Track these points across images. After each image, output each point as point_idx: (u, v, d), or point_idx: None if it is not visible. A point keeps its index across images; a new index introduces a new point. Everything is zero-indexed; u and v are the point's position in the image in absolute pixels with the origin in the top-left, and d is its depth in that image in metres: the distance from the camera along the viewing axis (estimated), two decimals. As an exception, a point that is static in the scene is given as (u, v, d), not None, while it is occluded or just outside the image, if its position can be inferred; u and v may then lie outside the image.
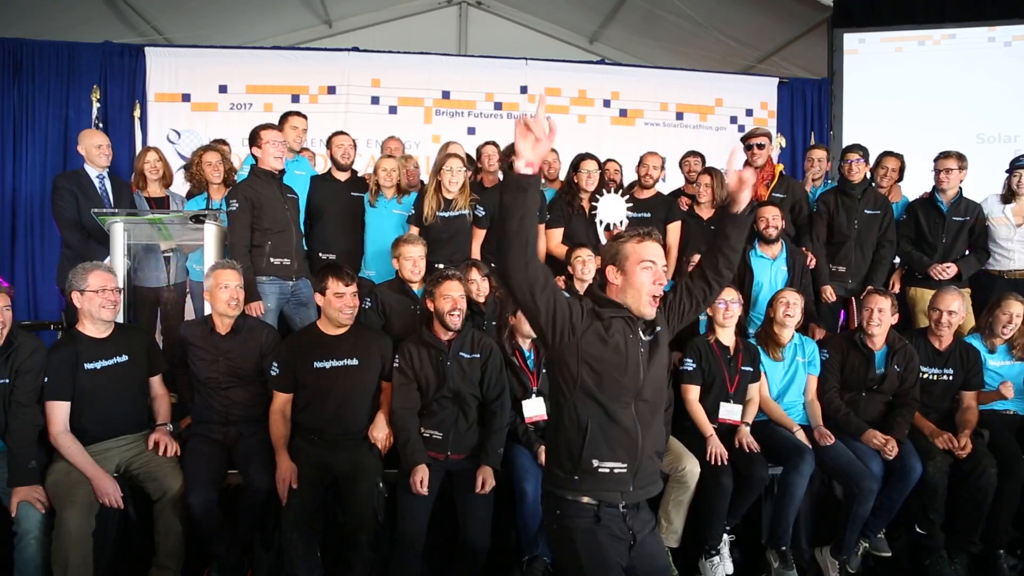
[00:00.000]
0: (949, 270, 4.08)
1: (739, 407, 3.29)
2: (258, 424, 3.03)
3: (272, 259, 3.61)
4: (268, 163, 3.63)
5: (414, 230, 3.85)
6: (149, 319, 4.09)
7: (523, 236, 1.80)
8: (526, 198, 1.79)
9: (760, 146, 4.30)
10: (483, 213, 3.96)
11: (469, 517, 2.83)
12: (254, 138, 3.64)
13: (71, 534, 2.52)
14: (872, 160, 4.41)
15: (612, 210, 4.14)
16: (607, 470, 1.97)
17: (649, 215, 4.26)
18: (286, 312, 3.76)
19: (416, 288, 3.54)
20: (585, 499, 1.96)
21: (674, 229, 4.29)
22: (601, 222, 4.14)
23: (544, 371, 3.19)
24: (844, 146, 4.32)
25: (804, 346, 3.48)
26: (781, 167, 4.48)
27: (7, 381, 2.67)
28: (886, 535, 3.27)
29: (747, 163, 4.36)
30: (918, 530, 3.22)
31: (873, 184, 4.31)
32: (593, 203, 4.16)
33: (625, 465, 1.98)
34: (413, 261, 3.51)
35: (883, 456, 3.16)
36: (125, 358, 2.89)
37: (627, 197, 4.24)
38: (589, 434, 1.95)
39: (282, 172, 3.74)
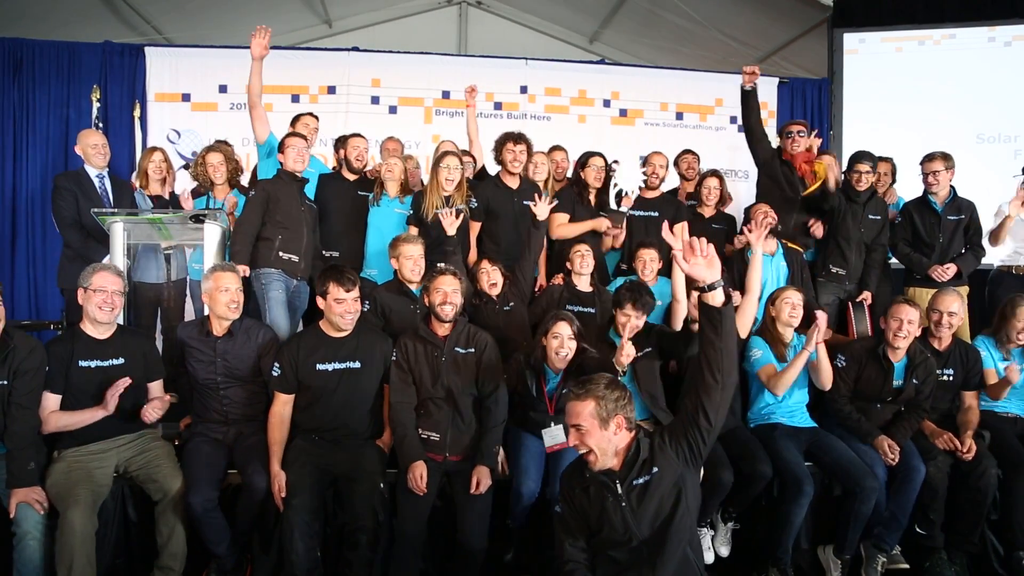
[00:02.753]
0: (949, 271, 4.10)
1: None
2: (257, 424, 3.03)
3: (281, 253, 3.63)
4: (289, 166, 3.73)
5: (413, 230, 3.87)
6: (149, 318, 4.08)
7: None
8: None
9: (801, 134, 4.32)
10: (475, 204, 3.99)
11: (466, 518, 2.83)
12: (281, 145, 3.77)
13: (76, 533, 2.52)
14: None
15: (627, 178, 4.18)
16: None
17: (656, 214, 4.29)
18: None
19: (415, 288, 3.55)
20: None
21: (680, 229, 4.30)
22: (615, 185, 4.14)
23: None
24: (852, 154, 4.28)
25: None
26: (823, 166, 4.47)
27: (5, 383, 2.66)
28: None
29: (784, 151, 4.36)
30: (918, 530, 3.21)
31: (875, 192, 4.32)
32: (611, 168, 4.18)
33: None
34: (413, 260, 3.52)
35: (884, 461, 3.16)
36: (121, 361, 2.88)
37: (636, 195, 4.32)
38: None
39: (304, 181, 3.80)
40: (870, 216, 4.21)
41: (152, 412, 2.86)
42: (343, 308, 2.95)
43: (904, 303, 3.29)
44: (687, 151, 5.01)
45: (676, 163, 4.97)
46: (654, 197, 4.41)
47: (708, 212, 4.42)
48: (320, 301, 3.03)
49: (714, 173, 4.45)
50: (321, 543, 2.84)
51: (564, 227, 4.12)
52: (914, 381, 3.30)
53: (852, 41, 6.15)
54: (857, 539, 3.14)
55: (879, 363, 3.33)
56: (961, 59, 5.95)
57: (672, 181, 5.15)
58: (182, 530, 2.78)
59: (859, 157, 4.26)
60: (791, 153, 4.35)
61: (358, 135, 4.33)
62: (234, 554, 2.86)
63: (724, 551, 3.17)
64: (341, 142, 4.41)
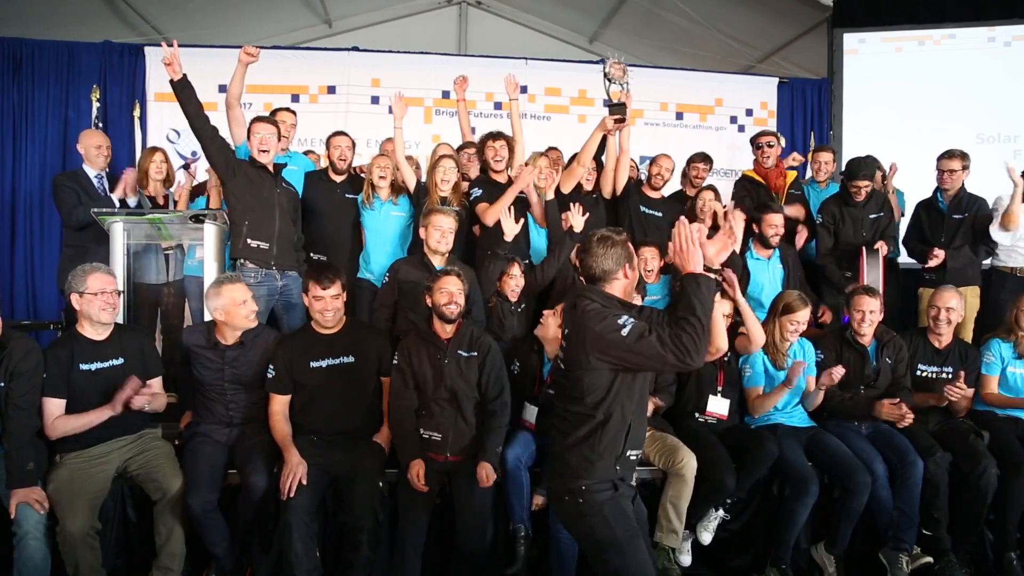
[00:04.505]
0: (938, 256, 4.06)
1: (727, 401, 3.34)
2: (259, 424, 3.03)
3: (249, 240, 3.48)
4: (254, 153, 3.59)
5: None
6: (149, 318, 4.07)
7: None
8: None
9: (770, 145, 4.47)
10: (479, 192, 3.96)
11: (466, 519, 2.84)
12: (248, 132, 3.65)
13: (76, 544, 2.56)
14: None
15: (617, 70, 4.09)
16: (635, 457, 2.21)
17: (660, 214, 4.34)
18: (275, 312, 3.70)
19: (438, 264, 3.52)
20: (609, 478, 2.15)
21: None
22: (611, 81, 4.07)
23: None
24: (849, 163, 4.26)
25: (804, 351, 3.46)
26: (794, 174, 4.63)
27: (2, 384, 2.66)
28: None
29: (756, 161, 4.55)
30: (924, 532, 3.20)
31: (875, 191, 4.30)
32: (607, 73, 4.14)
33: (639, 451, 2.24)
34: (441, 232, 3.52)
35: (898, 426, 3.19)
36: (121, 360, 2.88)
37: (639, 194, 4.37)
38: (631, 429, 2.14)
39: (279, 167, 3.70)
40: (871, 216, 4.21)
41: (138, 399, 2.75)
42: (321, 305, 2.97)
43: (863, 294, 3.40)
44: (702, 159, 4.85)
45: (687, 166, 4.86)
46: (658, 198, 4.45)
47: (707, 225, 4.36)
48: (305, 299, 3.06)
49: (710, 187, 4.47)
50: (321, 543, 2.83)
51: (580, 158, 4.16)
52: (887, 360, 3.38)
53: (852, 41, 6.15)
54: (848, 535, 3.15)
55: (853, 347, 3.42)
56: (961, 59, 5.95)
57: (674, 182, 5.15)
58: (181, 530, 2.78)
59: (854, 172, 4.15)
60: (764, 166, 4.47)
61: (341, 133, 4.24)
62: (233, 555, 2.85)
63: (707, 538, 3.11)
64: (326, 143, 4.35)
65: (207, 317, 3.10)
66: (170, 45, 3.29)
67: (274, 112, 4.28)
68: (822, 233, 4.29)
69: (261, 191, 3.55)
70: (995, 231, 4.13)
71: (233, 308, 2.95)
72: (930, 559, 3.14)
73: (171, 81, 3.35)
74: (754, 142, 4.61)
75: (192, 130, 3.50)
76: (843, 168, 4.43)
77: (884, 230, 4.23)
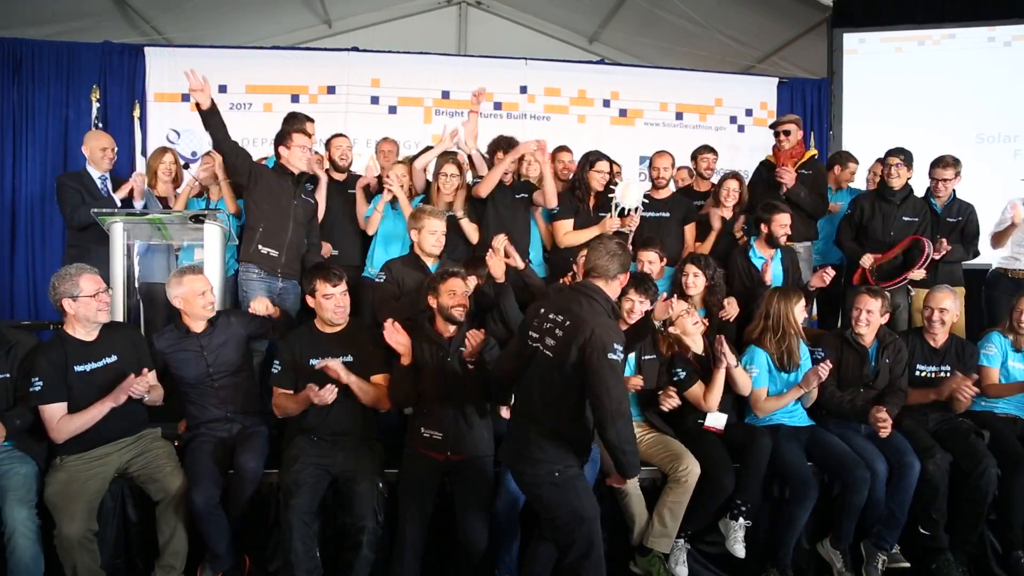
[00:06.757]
0: (943, 247, 4.01)
1: (724, 416, 3.31)
2: (260, 417, 3.06)
3: (260, 247, 3.54)
4: (293, 164, 3.63)
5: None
6: (161, 317, 4.05)
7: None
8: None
9: (787, 133, 4.39)
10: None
11: (467, 517, 2.83)
12: (283, 137, 3.66)
13: (74, 546, 2.58)
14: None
15: (630, 196, 4.06)
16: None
17: (668, 215, 4.28)
18: None
19: (431, 264, 3.54)
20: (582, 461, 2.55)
21: (691, 230, 4.35)
22: (616, 206, 4.06)
23: None
24: (888, 149, 4.21)
25: (807, 355, 3.46)
26: (815, 152, 4.55)
27: (8, 376, 2.75)
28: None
29: (775, 147, 4.48)
30: (921, 531, 3.22)
31: (913, 191, 4.23)
32: (611, 188, 4.12)
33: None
34: (437, 236, 3.54)
35: (878, 434, 3.16)
36: (114, 358, 2.88)
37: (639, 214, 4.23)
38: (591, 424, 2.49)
39: (304, 176, 3.72)
40: (904, 218, 4.10)
41: (138, 387, 2.77)
42: (332, 303, 2.99)
43: (864, 294, 3.43)
44: (708, 149, 4.83)
45: (695, 160, 4.82)
46: (664, 197, 4.36)
47: (727, 214, 4.35)
48: (310, 300, 3.05)
49: (735, 175, 4.42)
50: (321, 543, 2.84)
51: (571, 235, 4.09)
52: (886, 360, 3.41)
53: (852, 41, 6.16)
54: (852, 529, 3.16)
55: (853, 347, 3.43)
56: (961, 59, 5.96)
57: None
58: (183, 529, 2.79)
59: (893, 151, 4.17)
60: (779, 150, 4.40)
61: (340, 135, 4.41)
62: (233, 553, 2.85)
63: (739, 550, 3.08)
64: (326, 145, 4.44)
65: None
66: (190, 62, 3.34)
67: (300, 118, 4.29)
68: (844, 225, 4.28)
69: (280, 200, 3.61)
70: (985, 243, 4.26)
71: (192, 297, 3.00)
72: (907, 564, 3.18)
73: (198, 106, 3.34)
74: (774, 128, 4.52)
75: (218, 152, 3.61)
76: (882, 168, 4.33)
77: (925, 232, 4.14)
